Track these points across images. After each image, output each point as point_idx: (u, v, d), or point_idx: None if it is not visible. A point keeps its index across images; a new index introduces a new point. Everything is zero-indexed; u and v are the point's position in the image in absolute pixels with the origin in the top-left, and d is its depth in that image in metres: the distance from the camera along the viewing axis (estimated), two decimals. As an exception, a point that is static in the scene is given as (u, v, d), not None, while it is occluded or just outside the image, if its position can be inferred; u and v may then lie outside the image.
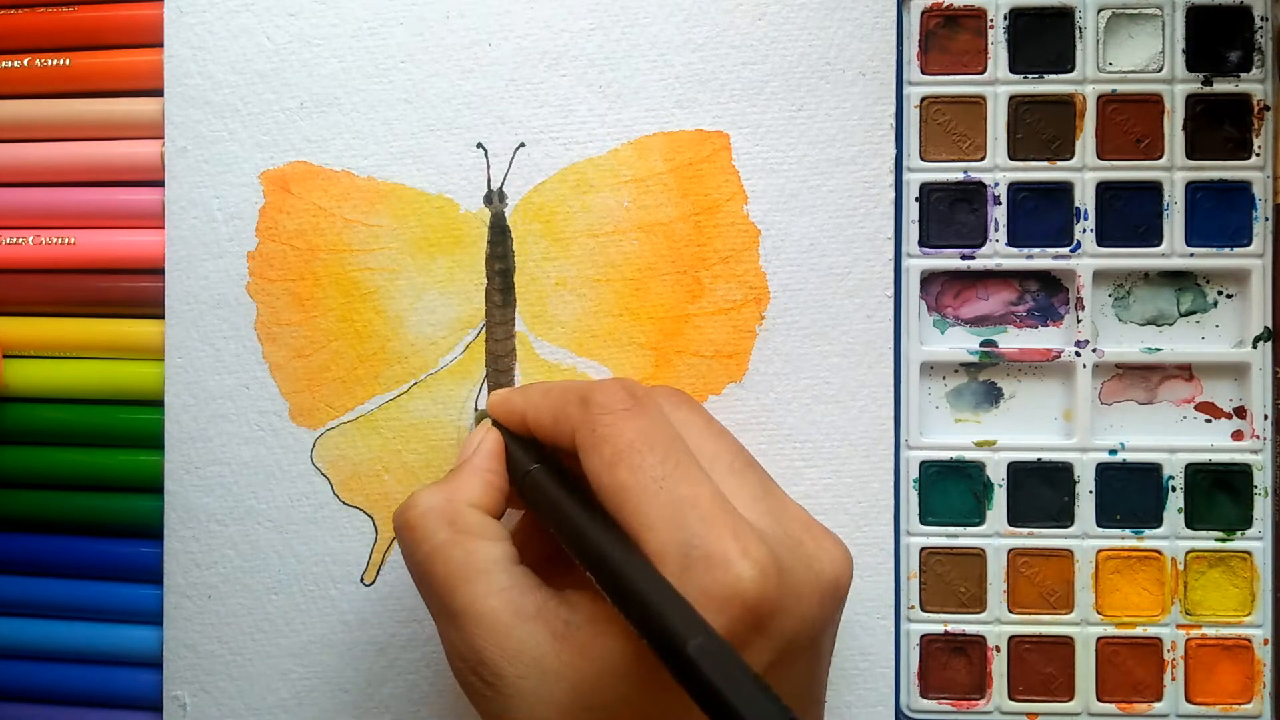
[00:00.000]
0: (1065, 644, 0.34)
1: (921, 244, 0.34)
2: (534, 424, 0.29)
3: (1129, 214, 0.34)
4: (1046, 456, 0.34)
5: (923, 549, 0.34)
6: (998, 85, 0.34)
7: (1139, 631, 0.34)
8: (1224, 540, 0.34)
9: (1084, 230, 0.34)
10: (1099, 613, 0.34)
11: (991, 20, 0.34)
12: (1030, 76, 0.34)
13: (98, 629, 0.35)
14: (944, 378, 0.34)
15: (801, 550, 0.25)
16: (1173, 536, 0.34)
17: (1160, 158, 0.34)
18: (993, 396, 0.34)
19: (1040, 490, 0.34)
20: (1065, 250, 0.34)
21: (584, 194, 0.33)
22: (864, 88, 0.33)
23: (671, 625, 0.22)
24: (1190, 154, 0.34)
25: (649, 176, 0.33)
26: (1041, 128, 0.34)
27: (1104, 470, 0.34)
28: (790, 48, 0.33)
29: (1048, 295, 0.34)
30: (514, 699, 0.25)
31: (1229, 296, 0.34)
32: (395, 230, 0.34)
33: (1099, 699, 0.34)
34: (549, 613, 0.25)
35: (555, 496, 0.27)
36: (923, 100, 0.34)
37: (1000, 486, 0.34)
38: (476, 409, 0.33)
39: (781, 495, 0.27)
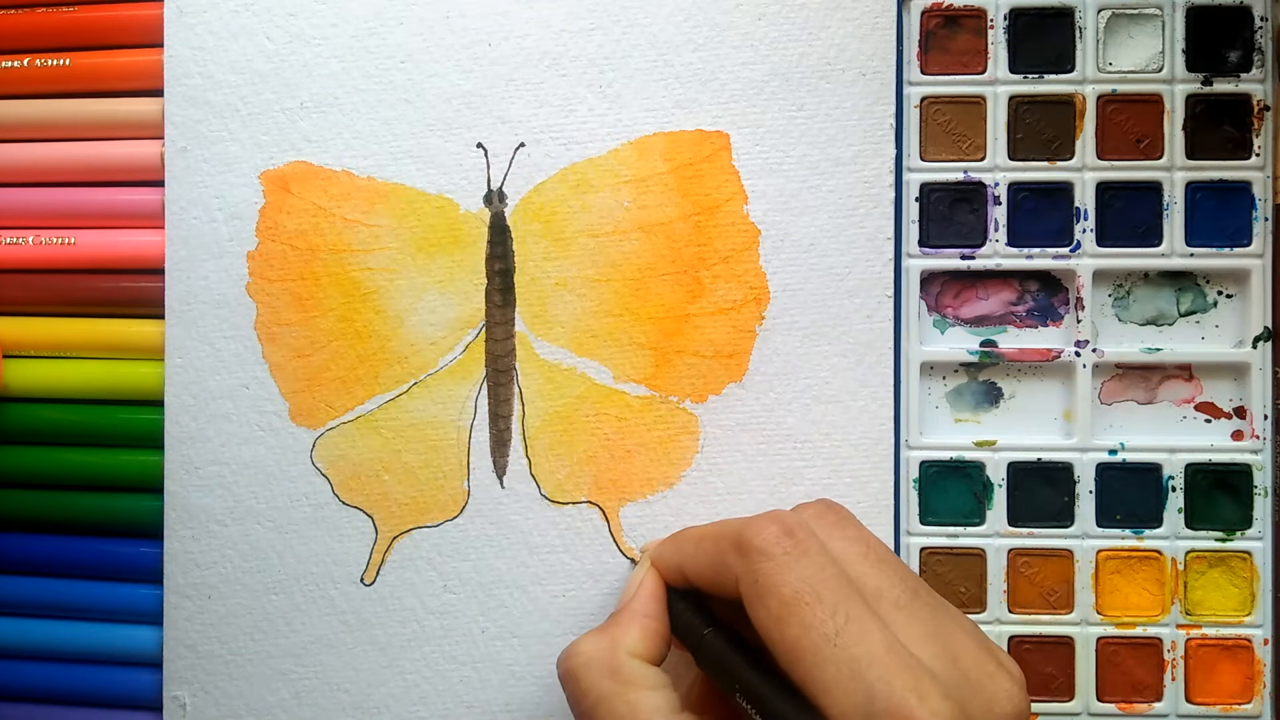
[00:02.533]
0: (1065, 644, 0.34)
1: (921, 244, 0.34)
2: (694, 576, 0.28)
3: (1129, 214, 0.34)
4: (1046, 456, 0.34)
5: (923, 549, 0.34)
6: (998, 85, 0.34)
7: (1139, 631, 0.34)
8: (1224, 540, 0.34)
9: (1084, 230, 0.34)
10: (1099, 613, 0.34)
11: (991, 20, 0.34)
12: (1030, 76, 0.34)
13: (98, 629, 0.35)
14: (944, 378, 0.34)
15: (981, 694, 0.25)
16: (1173, 536, 0.34)
17: (1160, 158, 0.34)
18: (993, 396, 0.34)
19: (1040, 490, 0.34)
20: (1065, 250, 0.34)
21: (584, 194, 0.33)
22: (864, 88, 0.33)
23: None
24: (1190, 154, 0.34)
25: (649, 176, 0.33)
26: (1041, 128, 0.34)
27: (1104, 470, 0.34)
28: (790, 48, 0.33)
29: (1048, 295, 0.34)
30: None
31: (1229, 296, 0.34)
32: (395, 230, 0.34)
33: (1099, 699, 0.34)
34: None
35: (732, 667, 0.27)
36: (923, 100, 0.34)
37: (1000, 486, 0.34)
38: (640, 550, 0.33)
39: (952, 627, 0.26)
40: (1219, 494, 0.34)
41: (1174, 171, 0.34)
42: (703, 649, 0.28)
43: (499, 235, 0.34)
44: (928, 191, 0.34)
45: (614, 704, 0.26)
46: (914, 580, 0.27)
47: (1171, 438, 0.34)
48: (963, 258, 0.34)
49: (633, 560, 0.33)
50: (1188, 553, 0.34)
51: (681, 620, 0.29)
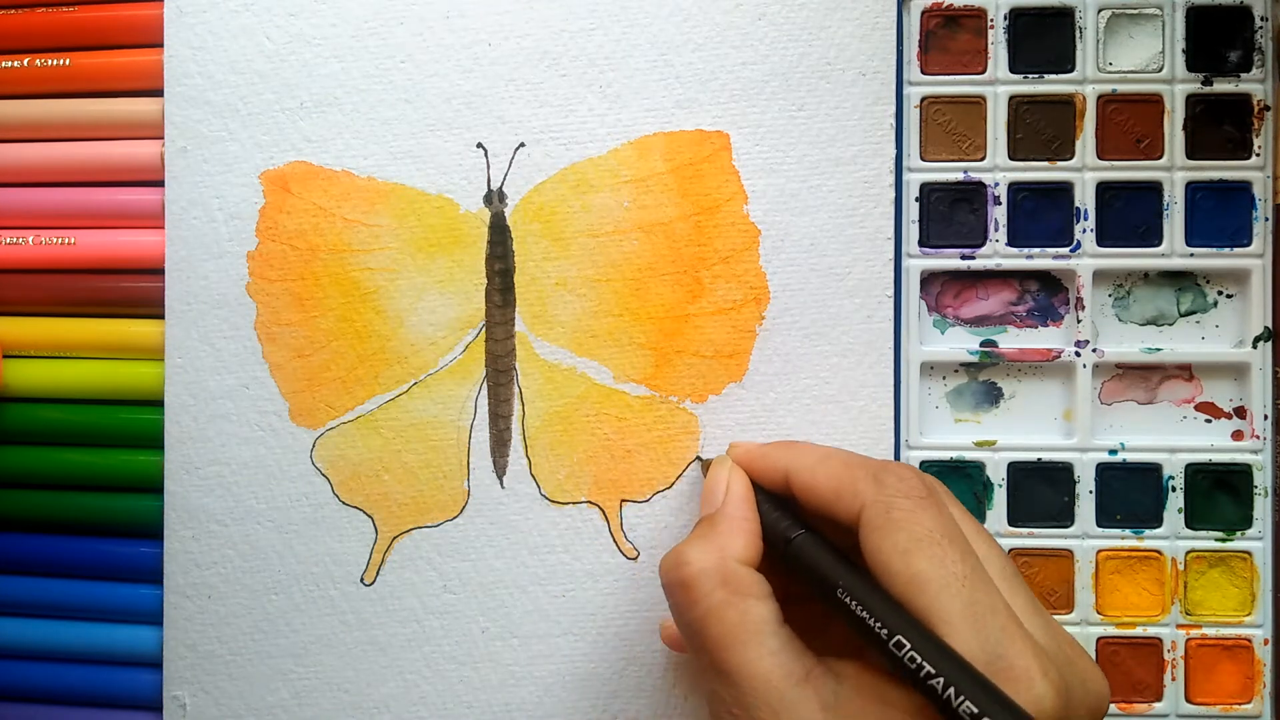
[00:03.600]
0: (1065, 644, 0.34)
1: (921, 244, 0.34)
2: (802, 486, 0.28)
3: (1129, 214, 0.34)
4: (1046, 456, 0.34)
5: (923, 549, 0.34)
6: (998, 85, 0.34)
7: (1139, 631, 0.34)
8: (1224, 540, 0.34)
9: (1084, 230, 0.34)
10: (1099, 613, 0.34)
11: (991, 20, 0.34)
12: (1030, 76, 0.34)
13: (98, 629, 0.35)
14: (944, 378, 0.34)
15: (1076, 670, 0.25)
16: (1173, 536, 0.34)
17: (1160, 158, 0.34)
18: (993, 396, 0.34)
19: (1040, 490, 0.34)
20: (1065, 250, 0.34)
21: (584, 194, 0.33)
22: (864, 88, 0.33)
23: (990, 710, 0.22)
24: (1190, 154, 0.34)
25: (649, 176, 0.33)
26: (1041, 128, 0.34)
27: (1104, 470, 0.34)
28: (790, 48, 0.33)
29: (1048, 295, 0.34)
30: None
31: (1229, 296, 0.34)
32: (395, 230, 0.34)
33: (1099, 699, 0.34)
34: (817, 679, 0.25)
35: (834, 568, 0.27)
36: (923, 100, 0.34)
37: (1000, 486, 0.34)
38: (700, 458, 0.33)
39: (1044, 609, 0.27)
40: (1219, 494, 0.34)
41: (1174, 171, 0.34)
42: (795, 549, 0.28)
43: (499, 235, 0.34)
44: (928, 191, 0.34)
45: (725, 613, 0.26)
46: (1012, 562, 0.27)
47: (1171, 438, 0.34)
48: (963, 258, 0.34)
49: (630, 558, 0.33)
50: (1188, 553, 0.34)
51: (769, 521, 0.29)
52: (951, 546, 0.25)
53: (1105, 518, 0.34)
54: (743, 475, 0.30)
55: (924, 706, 0.24)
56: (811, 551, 0.27)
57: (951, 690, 0.23)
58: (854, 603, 0.26)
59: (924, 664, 0.24)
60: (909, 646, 0.24)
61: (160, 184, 0.34)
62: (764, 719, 0.25)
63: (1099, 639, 0.34)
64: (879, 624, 0.25)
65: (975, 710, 0.22)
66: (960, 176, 0.34)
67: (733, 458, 0.30)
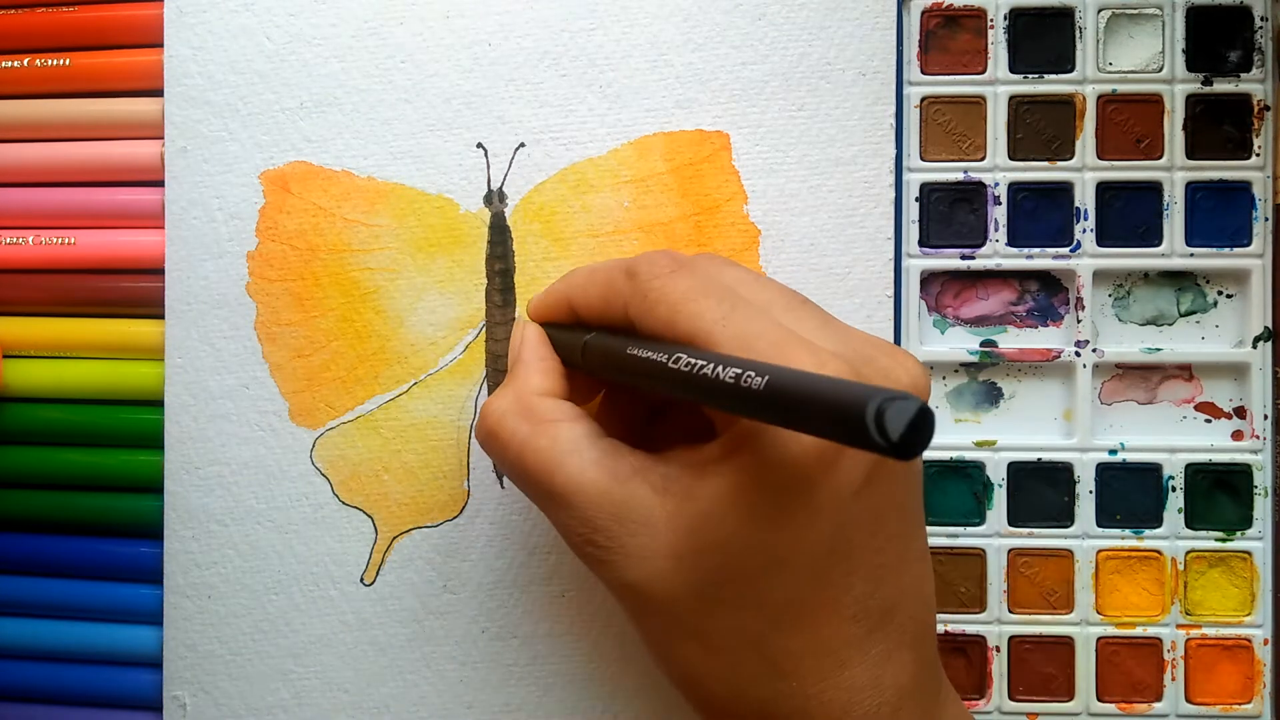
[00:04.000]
0: (1065, 644, 0.34)
1: (921, 244, 0.34)
2: (582, 306, 0.29)
3: (1129, 214, 0.34)
4: (1046, 456, 0.34)
5: (923, 549, 0.34)
6: (998, 85, 0.34)
7: (1139, 631, 0.34)
8: (1224, 540, 0.34)
9: (1084, 230, 0.34)
10: (1099, 613, 0.34)
11: (991, 20, 0.34)
12: (1030, 76, 0.34)
13: (98, 629, 0.35)
14: (944, 378, 0.34)
15: (877, 364, 0.25)
16: (1173, 536, 0.34)
17: (1160, 158, 0.34)
18: (993, 396, 0.34)
19: (1040, 490, 0.34)
20: (1065, 250, 0.34)
21: (584, 194, 0.33)
22: (864, 88, 0.33)
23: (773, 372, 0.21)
24: (1190, 154, 0.34)
25: (649, 176, 0.33)
26: (1041, 128, 0.34)
27: (1104, 470, 0.34)
28: (790, 48, 0.33)
29: (1048, 295, 0.34)
30: (630, 557, 0.25)
31: (1229, 296, 0.34)
32: (395, 230, 0.34)
33: (1099, 699, 0.34)
34: (646, 469, 0.26)
35: (622, 345, 0.27)
36: (923, 100, 0.34)
37: (1000, 486, 0.34)
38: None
39: (842, 324, 0.27)
40: (1219, 494, 0.34)
41: (1174, 171, 0.34)
42: (589, 346, 0.28)
43: (499, 235, 0.34)
44: (928, 191, 0.34)
45: (537, 442, 0.27)
46: (803, 297, 0.27)
47: (1171, 438, 0.34)
48: (963, 258, 0.34)
49: None
50: (1188, 553, 0.34)
51: (562, 344, 0.29)
52: (706, 298, 0.25)
53: (1105, 518, 0.34)
54: (535, 325, 0.30)
55: (724, 447, 0.24)
56: (602, 342, 0.28)
57: (720, 368, 0.22)
58: (643, 353, 0.25)
59: (695, 360, 0.23)
60: (685, 356, 0.24)
61: (160, 184, 0.34)
62: (603, 524, 0.25)
63: (1099, 639, 0.34)
64: (658, 354, 0.25)
65: (736, 371, 0.22)
66: (960, 176, 0.34)
67: (528, 312, 0.31)
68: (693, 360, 0.23)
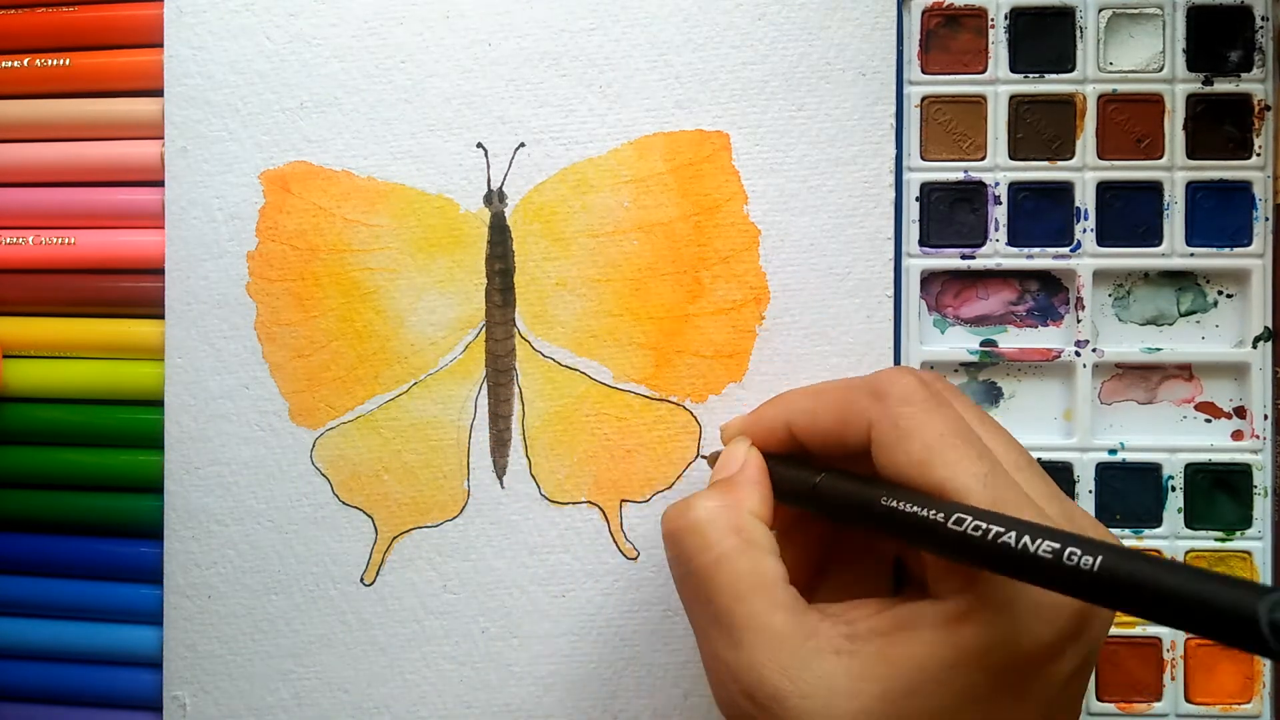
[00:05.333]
0: (1065, 644, 0.34)
1: (921, 244, 0.34)
2: (807, 431, 0.27)
3: (1129, 214, 0.34)
4: (1046, 456, 0.34)
5: (923, 549, 0.34)
6: (998, 85, 0.34)
7: (1139, 631, 0.34)
8: (1224, 540, 0.34)
9: (1084, 230, 0.34)
10: (1099, 613, 0.34)
11: (992, 20, 0.34)
12: (1031, 76, 0.34)
13: (98, 629, 0.35)
14: (944, 377, 0.34)
15: None
16: (1173, 536, 0.34)
17: (1160, 158, 0.34)
18: (993, 396, 0.34)
19: (1040, 490, 0.34)
20: (1065, 250, 0.34)
21: (584, 194, 0.33)
22: (864, 88, 0.33)
23: (1069, 540, 0.20)
24: (1190, 154, 0.34)
25: (649, 176, 0.33)
26: (1042, 127, 0.34)
27: (1104, 470, 0.34)
28: (790, 48, 0.33)
29: (1048, 295, 0.34)
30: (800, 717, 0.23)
31: (1229, 296, 0.34)
32: (395, 230, 0.34)
33: (1099, 699, 0.34)
34: (826, 629, 0.24)
35: (868, 487, 0.25)
36: (923, 100, 0.34)
37: (1000, 486, 0.34)
38: (703, 455, 0.33)
39: (1064, 494, 0.26)
40: (1219, 494, 0.34)
41: (1174, 171, 0.34)
42: (822, 486, 0.26)
43: (499, 235, 0.34)
44: (928, 191, 0.34)
45: (738, 562, 0.25)
46: (1023, 449, 0.27)
47: (1171, 438, 0.34)
48: (963, 257, 0.34)
49: (630, 558, 0.33)
50: (1187, 552, 0.34)
51: (787, 478, 0.28)
52: (967, 446, 0.24)
53: (1105, 517, 0.34)
54: (758, 452, 0.28)
55: (952, 613, 0.23)
56: (840, 483, 0.26)
57: (1026, 538, 0.21)
58: (900, 504, 0.24)
59: (990, 526, 0.22)
60: (970, 518, 0.22)
61: (160, 184, 0.34)
62: (774, 679, 0.23)
63: (1099, 639, 0.34)
64: (931, 511, 0.23)
65: (1056, 546, 0.21)
66: (960, 176, 0.34)
67: (735, 432, 0.29)
68: (986, 526, 0.22)
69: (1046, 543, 0.21)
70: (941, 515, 0.23)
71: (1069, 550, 0.21)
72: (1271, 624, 0.17)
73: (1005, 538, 0.21)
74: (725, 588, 0.25)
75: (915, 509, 0.23)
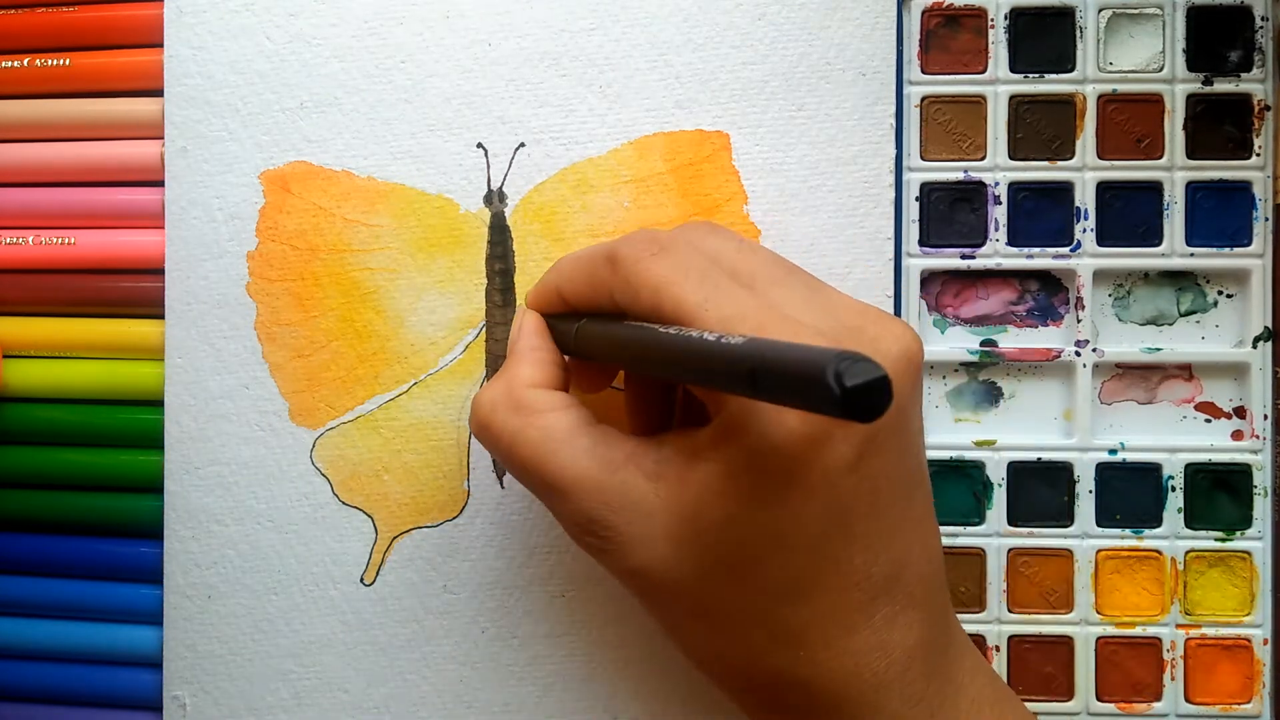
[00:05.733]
0: (1065, 644, 0.34)
1: (921, 244, 0.34)
2: (571, 295, 0.29)
3: (1129, 214, 0.34)
4: (1046, 456, 0.34)
5: (923, 549, 0.34)
6: (998, 85, 0.34)
7: (1139, 631, 0.34)
8: (1224, 540, 0.34)
9: (1084, 230, 0.34)
10: (1099, 612, 0.34)
11: (992, 20, 0.34)
12: (1030, 76, 0.34)
13: (98, 629, 0.35)
14: (944, 377, 0.34)
15: (864, 336, 0.25)
16: (1172, 536, 0.34)
17: (1160, 158, 0.34)
18: (993, 396, 0.34)
19: (1040, 490, 0.34)
20: (1065, 250, 0.34)
21: (584, 194, 0.33)
22: (864, 88, 0.33)
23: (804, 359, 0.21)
24: (1190, 154, 0.34)
25: (649, 176, 0.33)
26: (1042, 127, 0.34)
27: (1104, 470, 0.34)
28: (790, 48, 0.33)
29: (1048, 295, 0.34)
30: (628, 544, 0.26)
31: (1229, 296, 0.34)
32: (395, 230, 0.34)
33: (1099, 699, 0.34)
34: (640, 456, 0.26)
35: (614, 327, 0.27)
36: (923, 100, 0.34)
37: (1000, 486, 0.34)
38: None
39: (829, 290, 0.27)
40: (1219, 494, 0.34)
41: (1174, 171, 0.34)
42: (581, 332, 0.28)
43: (499, 235, 0.34)
44: (928, 191, 0.34)
45: (527, 434, 0.27)
46: (789, 264, 0.27)
47: (1171, 438, 0.34)
48: (963, 257, 0.34)
49: None
50: (1187, 552, 0.34)
51: (559, 332, 0.29)
52: (688, 280, 0.25)
53: (1105, 517, 0.34)
54: (534, 314, 0.30)
55: (716, 432, 0.24)
56: (593, 326, 0.28)
57: (706, 334, 0.22)
58: (632, 354, 0.26)
59: (684, 329, 0.23)
60: (679, 328, 0.24)
61: (160, 184, 0.34)
62: (599, 514, 0.26)
63: (1098, 639, 0.34)
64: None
65: (717, 335, 0.22)
66: (960, 176, 0.34)
67: (527, 303, 0.31)
68: (681, 330, 0.23)
69: (709, 335, 0.22)
70: (656, 326, 0.24)
71: (723, 337, 0.22)
72: (836, 375, 0.18)
73: (687, 334, 0.23)
74: (528, 460, 0.27)
75: (637, 327, 0.25)
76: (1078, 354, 0.34)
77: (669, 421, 0.30)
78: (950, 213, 0.34)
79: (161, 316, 0.34)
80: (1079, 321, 0.34)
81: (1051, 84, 0.34)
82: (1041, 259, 0.34)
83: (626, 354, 0.26)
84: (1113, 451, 0.34)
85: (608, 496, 0.26)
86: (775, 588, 0.25)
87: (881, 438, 0.25)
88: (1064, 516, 0.34)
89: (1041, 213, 0.34)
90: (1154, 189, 0.34)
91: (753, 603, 0.25)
